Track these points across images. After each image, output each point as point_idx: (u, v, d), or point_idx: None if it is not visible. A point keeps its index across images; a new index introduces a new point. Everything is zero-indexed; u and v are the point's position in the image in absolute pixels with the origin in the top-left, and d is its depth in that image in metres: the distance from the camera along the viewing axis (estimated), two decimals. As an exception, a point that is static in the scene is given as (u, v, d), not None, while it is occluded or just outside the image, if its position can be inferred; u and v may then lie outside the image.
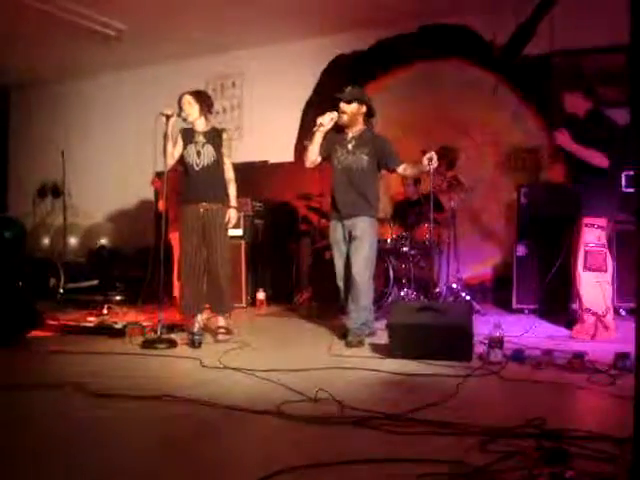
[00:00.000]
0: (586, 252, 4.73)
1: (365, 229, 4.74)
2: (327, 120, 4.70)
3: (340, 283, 4.92)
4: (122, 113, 9.95)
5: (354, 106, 4.80)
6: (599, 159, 4.64)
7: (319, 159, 4.92)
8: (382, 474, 2.07)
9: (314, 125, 4.80)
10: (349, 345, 4.58)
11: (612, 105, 5.70)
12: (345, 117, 4.79)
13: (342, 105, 4.78)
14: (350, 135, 4.85)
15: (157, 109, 4.82)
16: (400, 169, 4.86)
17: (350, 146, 4.82)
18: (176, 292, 5.91)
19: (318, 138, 4.80)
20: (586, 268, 4.73)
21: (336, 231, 4.89)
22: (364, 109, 4.86)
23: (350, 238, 4.79)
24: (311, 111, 8.58)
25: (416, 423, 2.54)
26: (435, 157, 4.55)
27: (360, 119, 4.87)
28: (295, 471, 2.02)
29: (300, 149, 8.49)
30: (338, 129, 4.88)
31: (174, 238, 5.92)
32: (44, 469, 2.14)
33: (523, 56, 7.26)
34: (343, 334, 4.83)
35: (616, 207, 4.89)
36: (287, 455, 2.24)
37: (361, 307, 4.71)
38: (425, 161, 4.57)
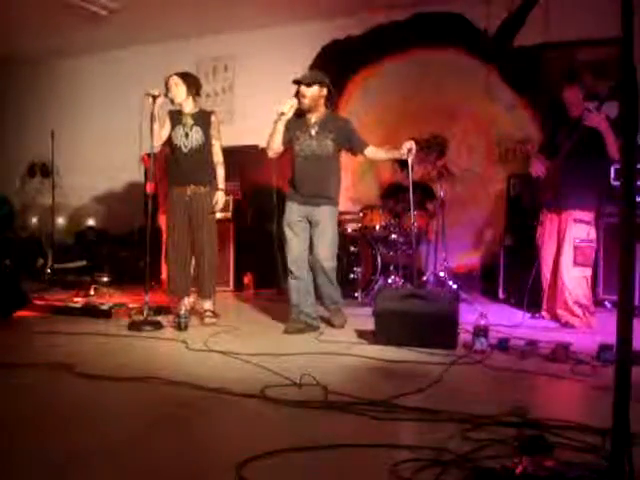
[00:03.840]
0: (575, 247, 4.77)
1: (327, 217, 4.67)
2: (287, 108, 4.57)
3: (293, 267, 4.69)
4: (112, 93, 9.86)
5: (315, 89, 4.62)
6: (617, 151, 4.57)
7: (282, 148, 4.73)
8: (363, 459, 2.08)
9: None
10: (335, 326, 4.79)
11: (603, 98, 5.72)
12: (306, 101, 4.62)
13: (302, 89, 4.62)
14: (312, 120, 4.69)
15: (147, 90, 4.78)
16: (368, 152, 4.75)
17: (313, 131, 4.67)
18: (164, 274, 5.90)
19: (280, 127, 4.63)
20: (576, 263, 4.76)
21: (292, 213, 4.70)
22: (325, 92, 4.69)
23: (310, 224, 4.71)
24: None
25: (399, 409, 2.56)
26: (414, 147, 4.54)
27: (321, 102, 4.70)
28: (276, 454, 2.04)
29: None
30: (299, 114, 4.72)
31: (164, 220, 5.91)
32: (26, 448, 2.14)
33: (516, 47, 7.27)
34: (327, 319, 4.96)
35: (604, 202, 4.94)
36: (270, 438, 2.25)
37: (334, 289, 4.81)
38: (404, 149, 4.54)
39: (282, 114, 4.57)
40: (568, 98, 4.93)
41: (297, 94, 4.69)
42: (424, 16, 7.85)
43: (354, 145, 4.74)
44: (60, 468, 1.96)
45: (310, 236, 4.71)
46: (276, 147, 4.69)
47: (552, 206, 4.96)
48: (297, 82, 4.67)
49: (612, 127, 4.57)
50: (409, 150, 4.53)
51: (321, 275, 4.70)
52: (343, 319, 4.86)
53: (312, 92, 4.61)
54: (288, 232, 4.70)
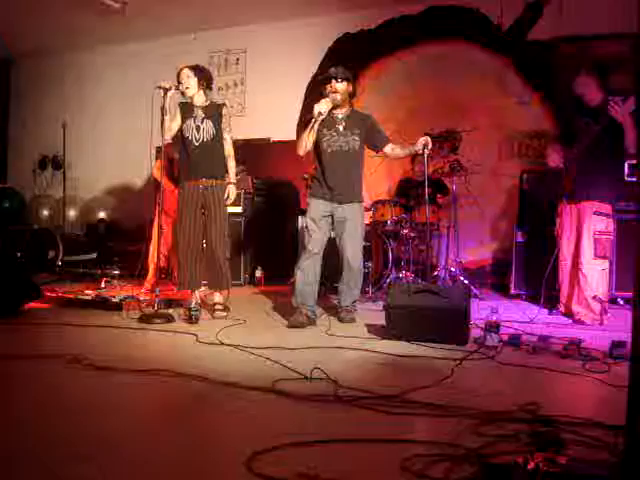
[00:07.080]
0: (595, 240, 4.76)
1: (355, 215, 4.77)
2: (324, 108, 4.53)
3: (311, 247, 4.67)
4: (124, 86, 9.89)
5: (345, 84, 4.73)
6: (635, 142, 4.56)
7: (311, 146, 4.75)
8: (374, 454, 2.07)
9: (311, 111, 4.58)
10: (342, 321, 4.77)
11: (619, 93, 5.67)
12: (338, 97, 4.68)
13: (334, 84, 4.69)
14: (340, 116, 4.77)
15: (158, 82, 4.79)
16: (388, 149, 4.84)
17: (341, 127, 4.73)
18: (172, 265, 5.91)
19: (316, 127, 4.64)
20: (596, 256, 4.76)
21: (318, 208, 4.74)
22: (351, 88, 4.80)
23: (335, 220, 4.77)
24: (315, 90, 8.53)
25: (409, 404, 2.55)
26: (430, 142, 4.59)
27: (347, 98, 4.79)
28: (287, 448, 2.03)
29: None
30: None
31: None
32: (41, 439, 2.14)
33: (531, 41, 7.23)
34: (336, 311, 5.01)
35: (618, 195, 4.91)
36: (280, 432, 2.24)
37: (355, 288, 4.90)
38: (419, 145, 4.58)
39: (319, 114, 4.52)
40: (578, 88, 4.91)
41: (325, 88, 4.72)
42: (437, 10, 7.82)
43: (377, 141, 4.83)
44: (68, 460, 1.96)
45: (337, 234, 4.80)
46: (309, 147, 4.70)
47: (572, 196, 4.91)
48: (329, 77, 4.71)
49: (634, 122, 4.53)
50: (425, 145, 4.57)
51: (348, 272, 4.80)
52: (351, 317, 4.82)
53: (342, 87, 4.70)
54: (312, 225, 4.72)
